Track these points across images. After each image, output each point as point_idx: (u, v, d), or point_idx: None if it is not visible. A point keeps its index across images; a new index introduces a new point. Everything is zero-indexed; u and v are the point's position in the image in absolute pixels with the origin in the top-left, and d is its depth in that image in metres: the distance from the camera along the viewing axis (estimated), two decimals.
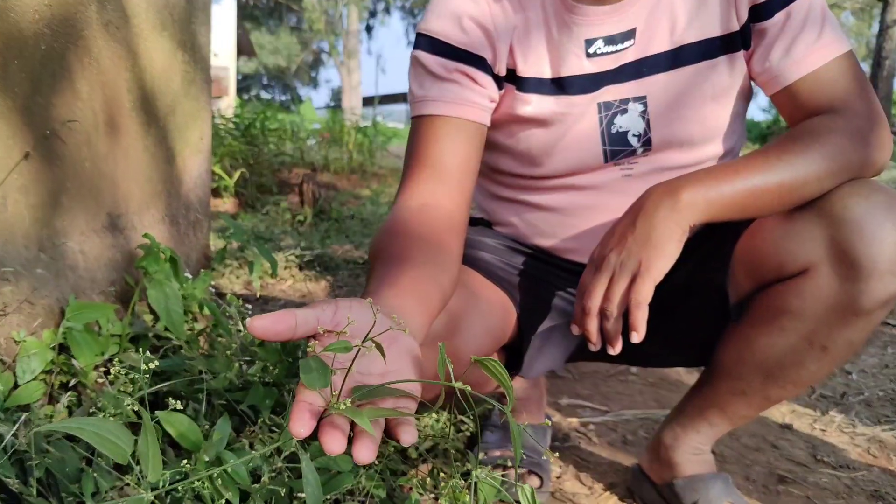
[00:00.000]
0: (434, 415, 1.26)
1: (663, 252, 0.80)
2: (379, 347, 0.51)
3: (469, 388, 0.52)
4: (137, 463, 0.55)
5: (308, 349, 0.52)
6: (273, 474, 0.81)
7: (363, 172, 5.40)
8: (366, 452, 0.47)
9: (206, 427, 0.97)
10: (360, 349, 0.50)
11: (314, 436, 0.49)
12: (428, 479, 0.95)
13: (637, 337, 0.80)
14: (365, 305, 0.56)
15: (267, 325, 0.51)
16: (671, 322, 1.03)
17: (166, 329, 1.11)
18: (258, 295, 2.19)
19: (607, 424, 1.48)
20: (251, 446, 0.89)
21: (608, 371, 1.83)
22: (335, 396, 0.49)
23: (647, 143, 0.97)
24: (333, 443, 0.46)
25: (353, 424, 0.49)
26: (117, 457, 0.49)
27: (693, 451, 1.07)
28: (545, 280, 1.10)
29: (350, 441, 0.48)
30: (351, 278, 2.53)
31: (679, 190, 0.82)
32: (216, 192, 3.87)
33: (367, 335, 0.51)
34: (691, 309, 1.02)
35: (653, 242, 0.81)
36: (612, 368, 1.85)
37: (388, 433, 0.51)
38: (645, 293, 0.80)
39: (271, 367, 1.04)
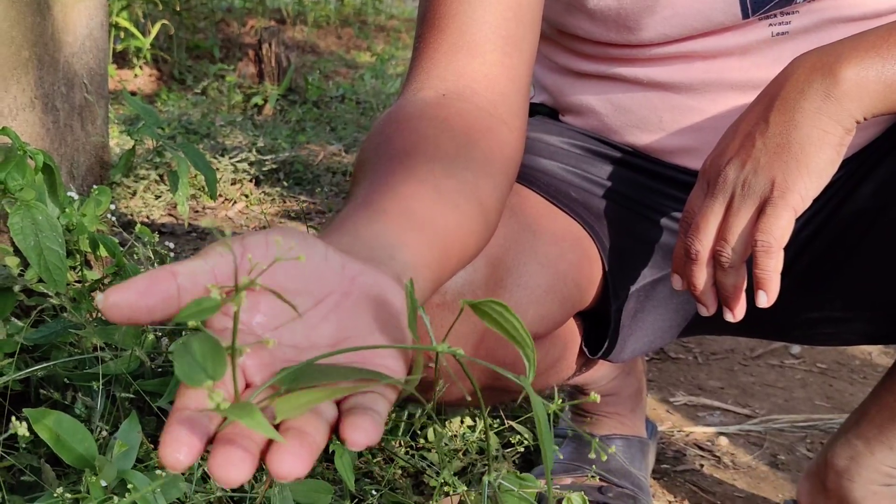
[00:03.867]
0: (469, 420, 1.28)
1: (809, 166, 0.80)
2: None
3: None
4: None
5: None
6: None
7: (362, 25, 5.36)
8: (290, 463, 0.46)
9: (104, 433, 1.00)
10: (245, 288, 0.48)
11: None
12: None
13: (765, 299, 0.81)
14: (299, 239, 0.54)
15: (130, 301, 0.48)
16: (845, 268, 1.03)
17: (39, 280, 1.12)
18: (187, 225, 2.22)
19: (748, 436, 1.49)
20: None
21: (752, 350, 1.83)
22: (233, 391, 0.48)
23: None
24: (229, 468, 0.45)
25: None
26: None
27: (882, 480, 1.09)
28: (645, 202, 1.10)
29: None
30: (338, 198, 2.55)
31: (838, 64, 0.81)
32: (122, 59, 3.89)
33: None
34: (879, 247, 1.02)
35: (793, 150, 0.81)
36: (759, 346, 1.85)
37: (336, 431, 0.50)
38: (778, 230, 0.80)
39: None
